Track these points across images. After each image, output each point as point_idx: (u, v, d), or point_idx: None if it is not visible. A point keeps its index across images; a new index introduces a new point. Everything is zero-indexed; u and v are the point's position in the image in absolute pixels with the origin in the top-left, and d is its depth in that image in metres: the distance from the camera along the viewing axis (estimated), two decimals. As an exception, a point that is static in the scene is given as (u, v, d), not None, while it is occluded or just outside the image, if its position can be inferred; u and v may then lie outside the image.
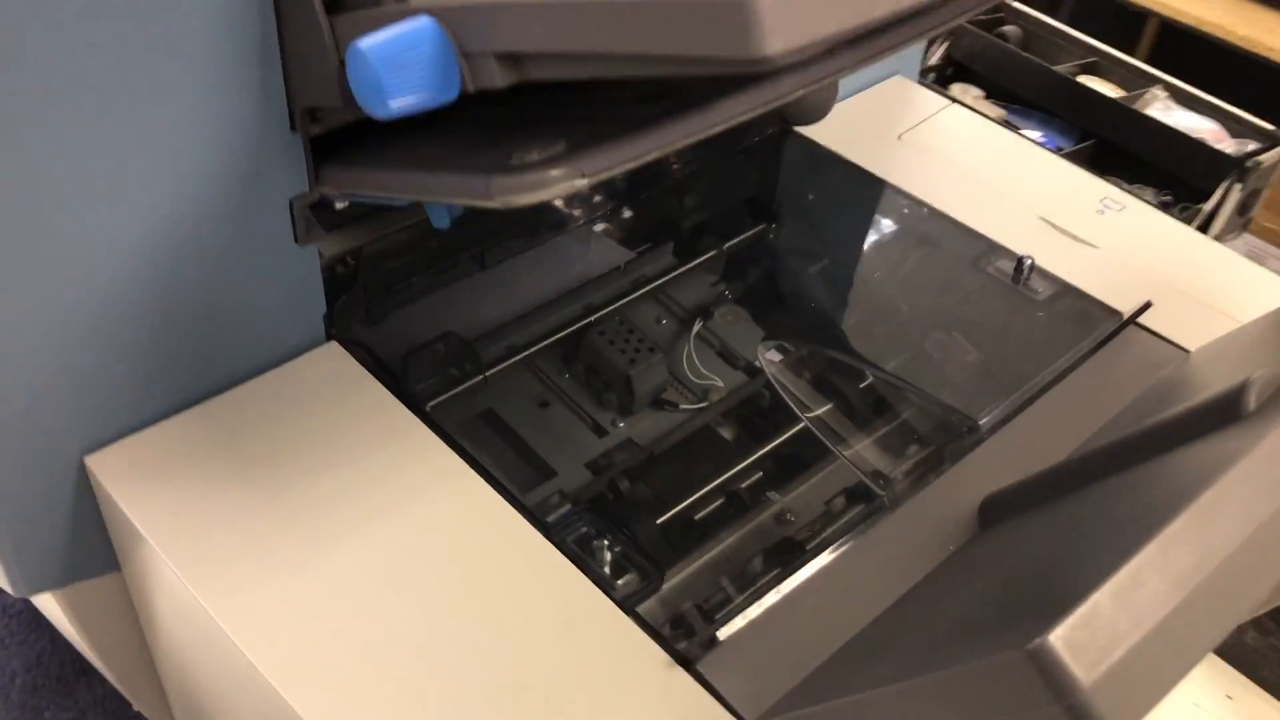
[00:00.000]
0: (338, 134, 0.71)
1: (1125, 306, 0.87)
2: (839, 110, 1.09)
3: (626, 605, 0.66)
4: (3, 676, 1.04)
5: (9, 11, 0.56)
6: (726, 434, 0.91)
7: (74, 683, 1.03)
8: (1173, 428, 0.60)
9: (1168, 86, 2.04)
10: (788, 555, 0.78)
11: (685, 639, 0.65)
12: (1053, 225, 0.95)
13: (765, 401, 0.93)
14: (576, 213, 1.02)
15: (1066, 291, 0.90)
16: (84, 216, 0.64)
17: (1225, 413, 0.56)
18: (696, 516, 0.85)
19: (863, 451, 0.85)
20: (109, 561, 0.78)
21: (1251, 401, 0.56)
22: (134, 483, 0.70)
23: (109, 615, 0.83)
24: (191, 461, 0.72)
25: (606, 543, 0.71)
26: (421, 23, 0.54)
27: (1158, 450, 0.59)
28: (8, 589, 0.76)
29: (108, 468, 0.71)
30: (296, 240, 0.74)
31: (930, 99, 1.11)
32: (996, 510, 0.71)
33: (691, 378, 0.95)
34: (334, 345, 0.80)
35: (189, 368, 0.74)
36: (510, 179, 0.57)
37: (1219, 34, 2.19)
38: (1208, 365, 0.77)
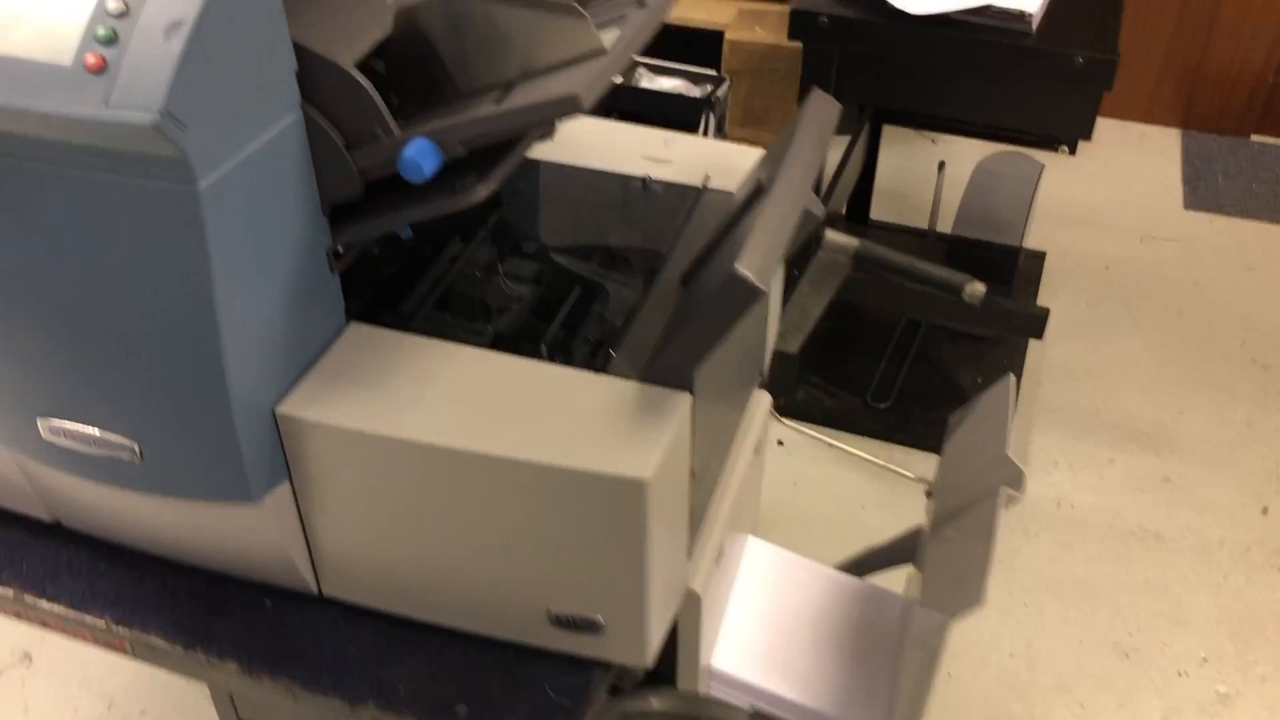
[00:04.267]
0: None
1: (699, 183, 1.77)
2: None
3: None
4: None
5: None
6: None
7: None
8: (740, 209, 1.48)
9: (644, 65, 3.05)
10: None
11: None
12: (652, 159, 1.83)
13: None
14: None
15: (670, 185, 1.78)
16: (269, 277, 1.33)
17: (755, 195, 1.45)
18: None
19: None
20: (284, 474, 1.45)
21: (765, 183, 1.45)
22: (311, 406, 1.39)
23: (290, 516, 1.49)
24: (338, 391, 1.41)
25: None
26: (422, 140, 1.29)
27: (744, 213, 1.47)
28: (245, 497, 1.41)
29: (293, 405, 1.39)
30: (330, 269, 1.44)
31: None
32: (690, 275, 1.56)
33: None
34: (352, 324, 1.51)
35: (304, 341, 1.42)
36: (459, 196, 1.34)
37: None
38: (742, 188, 1.67)
